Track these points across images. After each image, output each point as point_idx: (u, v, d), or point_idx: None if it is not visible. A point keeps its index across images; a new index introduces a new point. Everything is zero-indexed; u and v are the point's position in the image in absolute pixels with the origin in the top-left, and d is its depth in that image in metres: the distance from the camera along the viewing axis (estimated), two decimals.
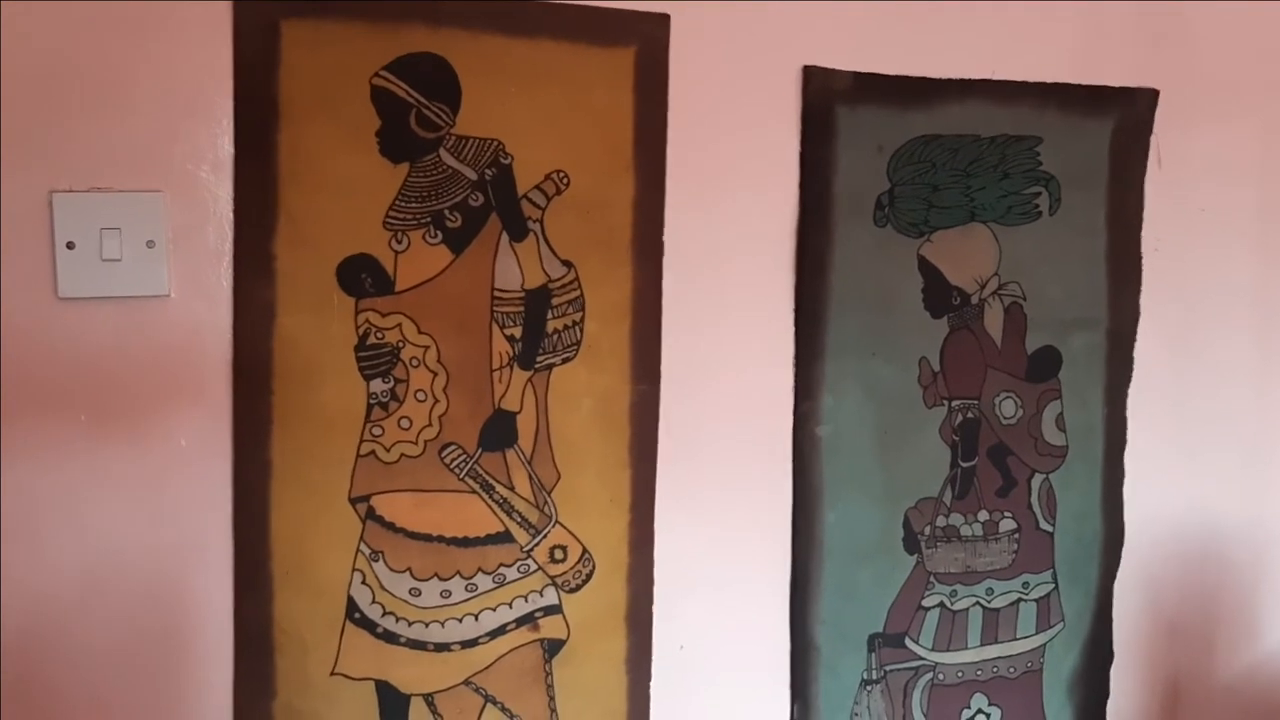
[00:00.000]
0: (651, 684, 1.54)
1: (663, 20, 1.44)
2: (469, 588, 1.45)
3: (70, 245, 1.26)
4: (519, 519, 1.46)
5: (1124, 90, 1.66)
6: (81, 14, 1.23)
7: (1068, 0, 1.62)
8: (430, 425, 1.42)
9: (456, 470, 1.43)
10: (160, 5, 1.26)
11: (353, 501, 1.40)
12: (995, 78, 1.59)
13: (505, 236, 1.42)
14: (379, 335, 1.38)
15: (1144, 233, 1.71)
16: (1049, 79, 1.62)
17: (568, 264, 1.45)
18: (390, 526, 1.41)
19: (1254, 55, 1.73)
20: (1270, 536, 1.85)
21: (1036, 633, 1.72)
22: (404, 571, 1.42)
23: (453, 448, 1.43)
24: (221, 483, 1.34)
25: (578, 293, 1.45)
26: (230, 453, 1.34)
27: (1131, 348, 1.72)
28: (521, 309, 1.43)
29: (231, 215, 1.32)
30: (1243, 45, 1.72)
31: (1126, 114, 1.66)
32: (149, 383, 1.31)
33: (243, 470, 1.35)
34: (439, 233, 1.39)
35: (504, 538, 1.46)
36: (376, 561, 1.41)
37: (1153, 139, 1.69)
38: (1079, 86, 1.63)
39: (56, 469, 1.28)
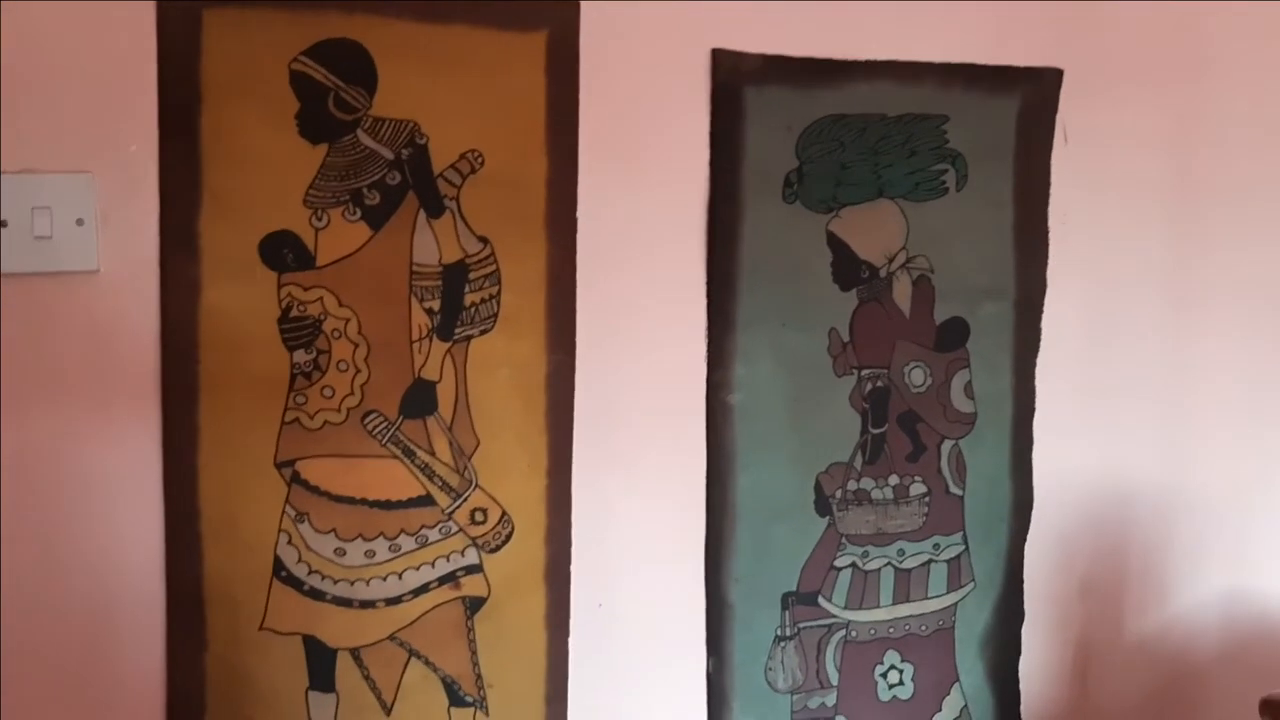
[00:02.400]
0: (570, 639, 1.62)
1: (573, 5, 1.51)
2: (392, 548, 1.53)
3: (3, 224, 1.34)
4: (440, 483, 1.54)
5: (1029, 70, 1.72)
6: (9, 3, 1.30)
7: None
8: (352, 394, 1.49)
9: (378, 437, 1.51)
10: None
11: (278, 466, 1.47)
12: (901, 59, 1.65)
13: (423, 213, 1.49)
14: (301, 308, 1.46)
15: (1051, 207, 1.77)
16: (955, 59, 1.68)
17: (484, 240, 1.52)
18: (315, 490, 1.49)
19: (1157, 34, 1.79)
20: (1177, 501, 1.91)
21: (947, 592, 1.79)
22: (329, 532, 1.50)
23: (374, 415, 1.50)
24: (151, 448, 1.42)
25: (494, 267, 1.52)
26: (159, 418, 1.42)
27: (1039, 318, 1.78)
28: (440, 283, 1.51)
29: (157, 194, 1.39)
30: (1146, 24, 1.78)
31: (1032, 93, 1.72)
32: (80, 353, 1.38)
33: (171, 436, 1.42)
34: (358, 210, 1.46)
35: (426, 501, 1.54)
36: (302, 523, 1.49)
37: (1059, 117, 1.75)
38: (984, 67, 1.69)
39: None
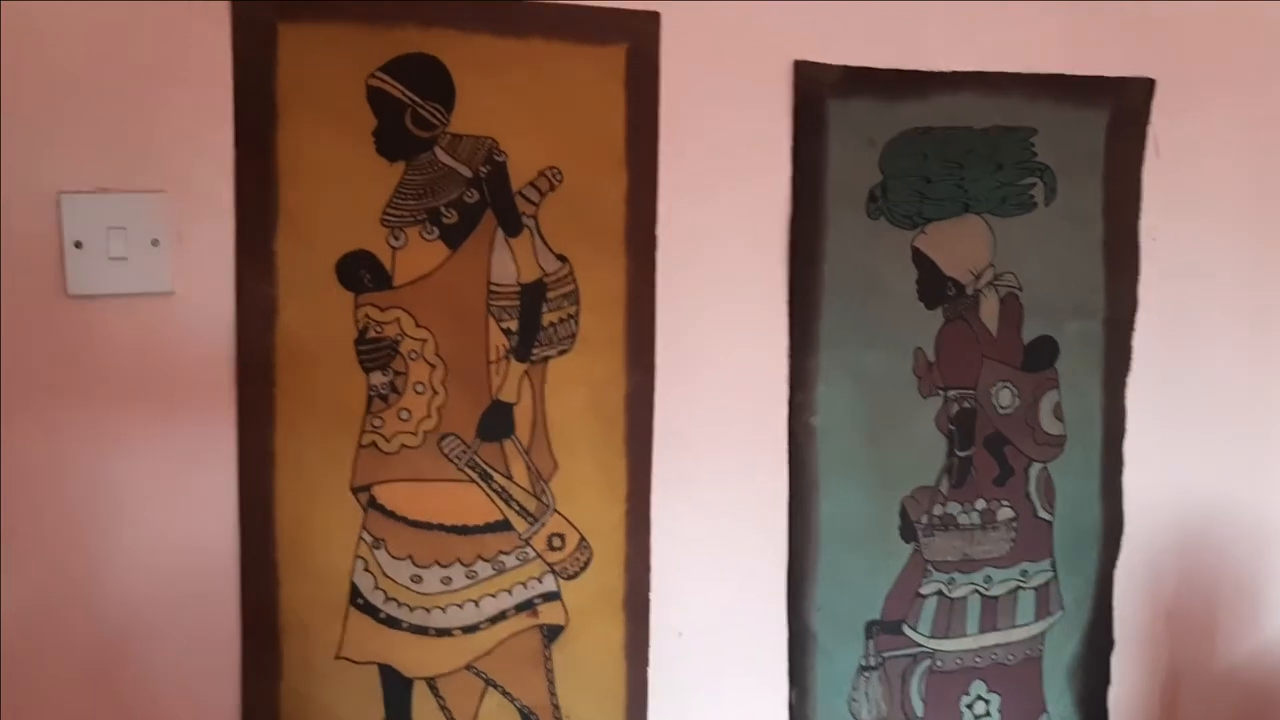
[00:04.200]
0: (649, 670, 1.57)
1: (653, 18, 1.47)
2: (469, 575, 1.49)
3: (78, 244, 1.31)
4: (517, 507, 1.50)
5: (1118, 80, 1.67)
6: (85, 20, 1.28)
7: None
8: (429, 416, 1.45)
9: (455, 460, 1.47)
10: (161, 10, 1.30)
11: (354, 491, 1.44)
12: (987, 70, 1.60)
13: (500, 232, 1.45)
14: (378, 329, 1.42)
15: (1142, 222, 1.71)
16: (1041, 70, 1.63)
17: (562, 258, 1.48)
18: (391, 515, 1.45)
19: (1249, 41, 1.73)
20: (1271, 525, 1.85)
21: (1035, 620, 1.73)
22: (405, 559, 1.46)
23: (451, 438, 1.46)
24: (226, 472, 1.39)
25: (572, 286, 1.49)
26: (235, 443, 1.38)
27: (1130, 337, 1.72)
28: (517, 303, 1.47)
29: (233, 214, 1.36)
30: (1237, 31, 1.72)
31: (1121, 104, 1.67)
32: (155, 376, 1.35)
33: (247, 460, 1.39)
34: (435, 229, 1.43)
35: (503, 526, 1.50)
36: (378, 549, 1.45)
37: (1150, 128, 1.69)
38: (1072, 77, 1.64)
39: (68, 460, 1.33)
